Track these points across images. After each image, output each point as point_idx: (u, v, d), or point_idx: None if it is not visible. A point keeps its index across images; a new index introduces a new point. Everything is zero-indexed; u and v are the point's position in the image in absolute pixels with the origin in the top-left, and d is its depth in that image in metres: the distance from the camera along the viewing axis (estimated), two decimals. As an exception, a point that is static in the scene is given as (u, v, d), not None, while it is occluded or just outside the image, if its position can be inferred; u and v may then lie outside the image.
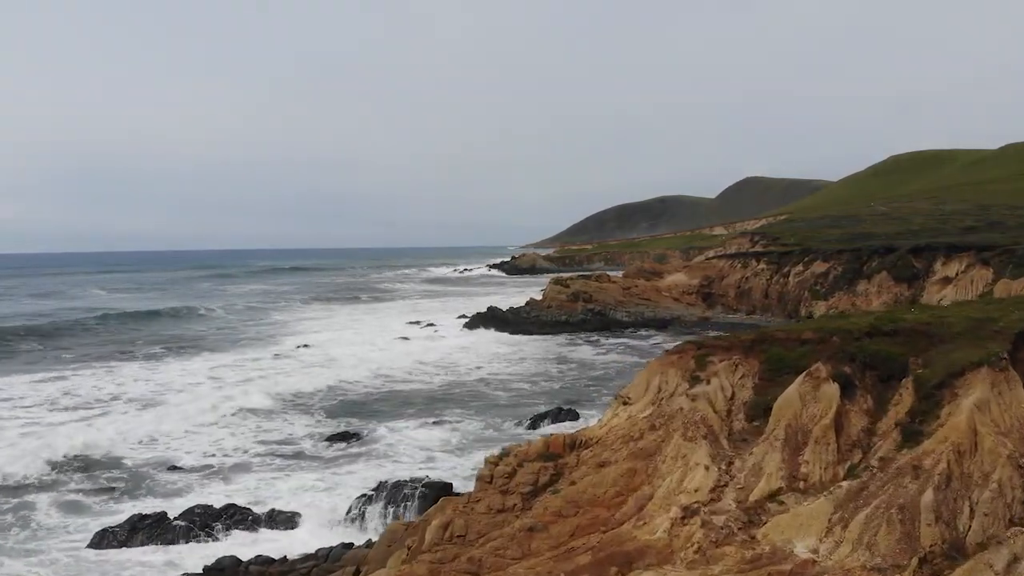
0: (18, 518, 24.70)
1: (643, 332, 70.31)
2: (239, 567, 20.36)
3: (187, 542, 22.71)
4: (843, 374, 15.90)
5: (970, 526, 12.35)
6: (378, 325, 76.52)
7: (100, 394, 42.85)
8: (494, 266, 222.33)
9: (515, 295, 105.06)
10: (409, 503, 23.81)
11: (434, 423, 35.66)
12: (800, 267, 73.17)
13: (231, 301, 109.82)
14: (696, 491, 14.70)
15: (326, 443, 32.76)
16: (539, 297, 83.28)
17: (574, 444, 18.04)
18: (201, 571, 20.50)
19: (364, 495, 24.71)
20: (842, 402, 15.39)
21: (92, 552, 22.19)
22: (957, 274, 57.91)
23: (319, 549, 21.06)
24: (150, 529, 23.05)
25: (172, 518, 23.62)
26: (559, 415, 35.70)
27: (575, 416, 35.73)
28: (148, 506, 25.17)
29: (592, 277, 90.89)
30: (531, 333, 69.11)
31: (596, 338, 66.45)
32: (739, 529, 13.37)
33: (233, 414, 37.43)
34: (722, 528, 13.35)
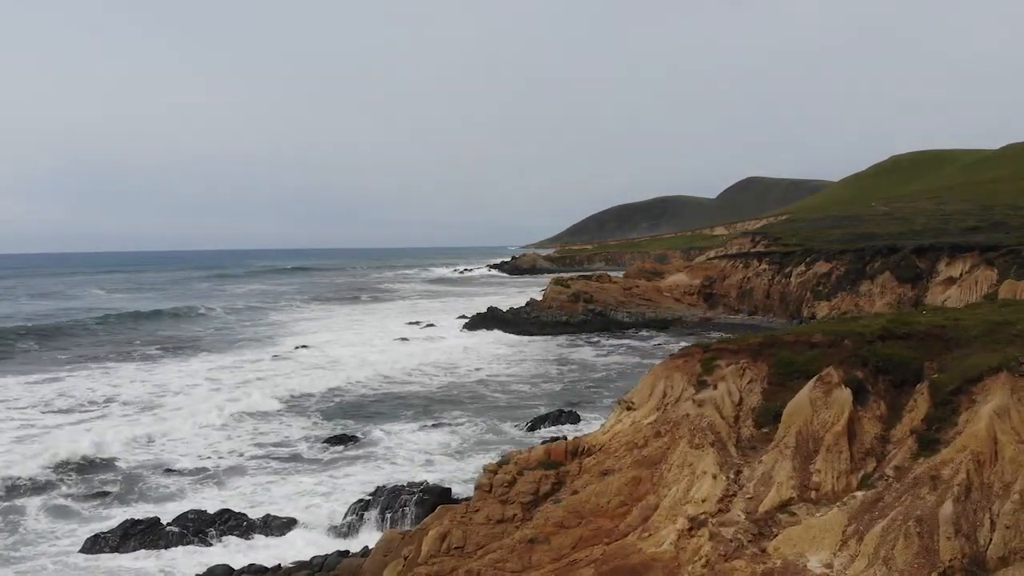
0: (7, 523, 24.19)
1: (644, 333, 69.88)
2: (231, 576, 19.86)
3: (181, 547, 22.21)
4: (855, 379, 15.35)
5: (991, 539, 11.79)
6: (378, 326, 76.14)
7: (95, 396, 42.33)
8: (494, 266, 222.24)
9: (515, 295, 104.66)
10: (407, 508, 23.31)
11: (433, 425, 35.17)
12: (802, 267, 72.66)
13: (230, 301, 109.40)
14: (703, 501, 14.14)
15: (323, 446, 32.25)
16: (539, 297, 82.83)
17: (576, 451, 17.49)
18: (193, 579, 20.01)
19: (361, 500, 24.23)
20: (855, 408, 14.84)
21: (82, 558, 21.71)
22: (961, 274, 57.35)
23: (314, 557, 20.53)
24: (143, 535, 22.58)
25: (165, 523, 23.13)
26: (560, 417, 35.24)
27: (576, 418, 35.27)
28: (141, 511, 24.68)
29: (593, 277, 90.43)
30: (531, 334, 68.70)
31: (597, 339, 66.01)
32: (749, 542, 12.82)
33: (230, 416, 36.94)
34: (731, 540, 12.80)
